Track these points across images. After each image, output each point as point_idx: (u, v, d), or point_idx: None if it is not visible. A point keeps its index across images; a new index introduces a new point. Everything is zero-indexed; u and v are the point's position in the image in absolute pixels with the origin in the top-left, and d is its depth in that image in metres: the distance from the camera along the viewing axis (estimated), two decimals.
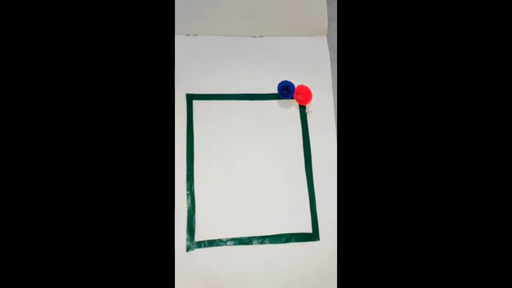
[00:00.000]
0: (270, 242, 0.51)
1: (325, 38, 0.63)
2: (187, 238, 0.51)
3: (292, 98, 0.59)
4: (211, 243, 0.51)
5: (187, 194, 0.52)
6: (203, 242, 0.51)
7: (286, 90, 0.59)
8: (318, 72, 0.60)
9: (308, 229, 0.53)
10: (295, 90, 0.59)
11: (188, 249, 0.50)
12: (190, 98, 0.58)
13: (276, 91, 0.59)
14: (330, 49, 0.62)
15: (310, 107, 0.59)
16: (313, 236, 0.52)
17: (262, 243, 0.51)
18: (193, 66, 0.59)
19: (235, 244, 0.51)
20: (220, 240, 0.51)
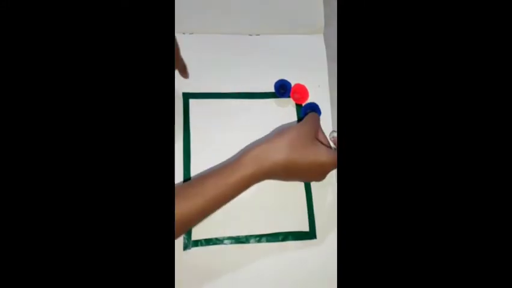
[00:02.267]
0: (267, 241, 0.51)
1: (321, 36, 0.62)
2: (183, 237, 0.51)
3: (289, 97, 0.59)
4: (208, 241, 0.51)
5: None
6: (199, 240, 0.51)
7: (283, 89, 0.59)
8: (315, 70, 0.60)
9: (305, 227, 0.53)
10: (291, 89, 0.59)
11: (185, 247, 0.50)
12: (187, 96, 0.57)
13: (272, 90, 0.59)
14: (326, 47, 0.62)
15: None
16: (310, 234, 0.52)
17: (259, 241, 0.51)
18: (189, 64, 0.58)
19: (232, 243, 0.51)
20: (216, 239, 0.51)
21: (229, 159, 0.50)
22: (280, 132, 0.48)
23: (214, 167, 0.50)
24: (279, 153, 0.46)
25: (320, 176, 0.50)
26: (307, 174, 0.50)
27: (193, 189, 0.46)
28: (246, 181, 0.46)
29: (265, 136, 0.52)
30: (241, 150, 0.51)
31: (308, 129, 0.49)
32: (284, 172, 0.48)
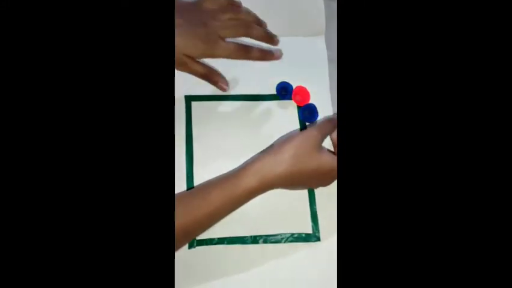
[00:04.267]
0: (270, 242, 0.52)
1: (323, 38, 0.63)
2: None
3: (291, 99, 0.59)
4: (212, 241, 0.51)
5: None
6: (204, 240, 0.51)
7: (284, 91, 0.59)
8: (316, 72, 0.61)
9: (308, 229, 0.53)
10: (293, 91, 0.59)
11: (190, 246, 0.51)
12: (189, 99, 0.58)
13: (274, 92, 0.59)
14: (327, 49, 0.62)
15: None
16: (313, 236, 0.53)
17: (262, 242, 0.52)
18: None
19: (235, 243, 0.51)
20: (220, 238, 0.51)
21: (231, 170, 0.50)
22: (282, 143, 0.48)
23: (217, 177, 0.50)
24: (281, 166, 0.47)
25: (327, 182, 0.51)
26: (313, 183, 0.51)
27: (195, 201, 0.46)
28: (249, 194, 0.47)
29: (268, 147, 0.52)
30: (245, 162, 0.51)
31: (311, 137, 0.48)
32: (289, 183, 0.48)
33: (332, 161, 0.48)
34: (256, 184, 0.46)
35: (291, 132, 0.57)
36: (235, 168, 0.51)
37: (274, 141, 0.53)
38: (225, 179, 0.48)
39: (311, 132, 0.49)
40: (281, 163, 0.46)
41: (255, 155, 0.52)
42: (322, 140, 0.49)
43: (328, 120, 0.52)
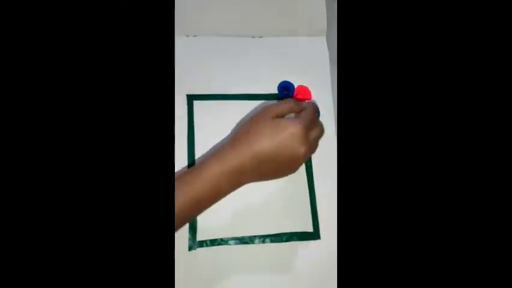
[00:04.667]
0: (271, 241, 0.52)
1: (324, 38, 0.63)
2: (189, 237, 0.51)
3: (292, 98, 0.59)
4: (213, 242, 0.51)
5: None
6: (205, 241, 0.51)
7: (286, 91, 0.59)
8: (317, 72, 0.61)
9: (309, 228, 0.53)
10: (294, 91, 0.59)
11: (190, 248, 0.51)
12: (191, 98, 0.58)
13: (275, 91, 0.59)
14: (329, 49, 0.62)
15: None
16: (314, 234, 0.53)
17: (263, 242, 0.52)
18: (193, 66, 0.59)
19: (236, 243, 0.51)
20: (221, 239, 0.51)
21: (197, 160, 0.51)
22: (239, 124, 0.46)
23: (183, 170, 0.50)
24: (239, 146, 0.43)
25: (300, 151, 0.43)
26: (284, 157, 0.43)
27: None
28: (216, 184, 0.43)
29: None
30: (207, 151, 0.52)
31: (263, 109, 0.44)
32: (256, 164, 0.43)
33: (292, 125, 0.42)
34: (218, 170, 0.42)
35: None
36: (199, 158, 0.51)
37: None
38: (190, 170, 0.45)
39: (263, 105, 0.45)
40: (237, 143, 0.43)
41: (217, 143, 0.53)
42: (280, 113, 0.45)
43: (292, 99, 0.49)
